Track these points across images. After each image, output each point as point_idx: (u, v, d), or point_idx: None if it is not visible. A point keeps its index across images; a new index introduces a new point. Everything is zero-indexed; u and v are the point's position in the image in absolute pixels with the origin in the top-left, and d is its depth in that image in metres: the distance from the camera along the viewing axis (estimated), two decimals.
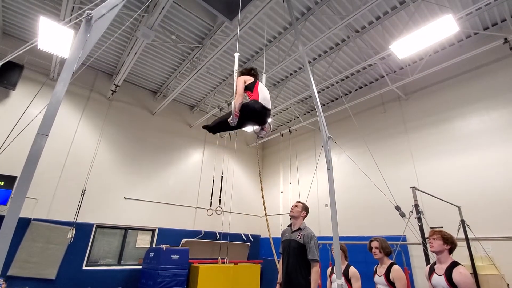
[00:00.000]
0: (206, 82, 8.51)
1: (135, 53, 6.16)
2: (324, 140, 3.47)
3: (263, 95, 2.72)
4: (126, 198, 7.62)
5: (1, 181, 5.58)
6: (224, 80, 8.34)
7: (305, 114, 9.98)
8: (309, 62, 7.28)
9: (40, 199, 6.21)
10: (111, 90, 7.54)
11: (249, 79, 2.81)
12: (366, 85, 8.41)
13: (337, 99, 9.14)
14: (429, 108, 7.01)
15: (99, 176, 7.20)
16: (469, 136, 6.15)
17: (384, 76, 7.06)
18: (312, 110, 9.87)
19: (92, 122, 7.56)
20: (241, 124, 2.67)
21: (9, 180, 5.60)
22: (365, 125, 8.22)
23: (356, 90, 8.35)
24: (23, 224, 5.80)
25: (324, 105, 9.37)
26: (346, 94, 8.62)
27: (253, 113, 2.59)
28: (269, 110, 2.73)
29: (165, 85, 8.59)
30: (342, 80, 8.16)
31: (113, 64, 7.83)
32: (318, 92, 8.46)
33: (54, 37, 4.81)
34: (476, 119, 6.17)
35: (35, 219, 5.99)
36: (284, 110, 9.96)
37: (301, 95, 8.16)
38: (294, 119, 10.16)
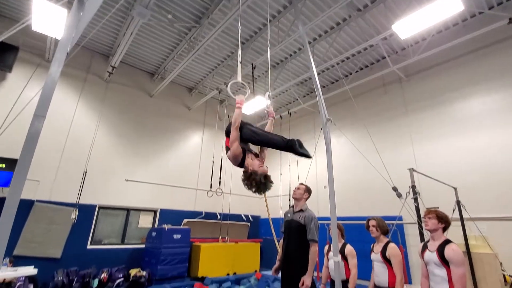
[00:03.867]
0: (204, 63, 8.36)
1: (131, 33, 6.00)
2: (324, 122, 3.46)
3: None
4: (127, 180, 7.70)
5: (3, 164, 5.62)
6: (223, 62, 8.19)
7: (304, 96, 9.89)
8: (309, 43, 7.12)
9: (42, 181, 6.28)
10: (108, 71, 7.42)
11: (238, 159, 2.39)
12: (367, 66, 8.28)
13: (337, 80, 9.02)
14: (430, 90, 6.94)
15: (99, 158, 7.24)
16: (470, 118, 6.14)
17: (385, 57, 6.93)
18: (311, 92, 9.77)
19: (90, 105, 7.51)
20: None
21: (10, 162, 5.64)
22: (365, 107, 8.17)
23: (357, 71, 8.22)
24: (27, 206, 5.91)
25: (324, 87, 9.27)
26: (347, 76, 8.50)
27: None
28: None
29: (162, 67, 8.45)
30: (343, 61, 8.01)
31: (109, 45, 7.65)
32: (318, 74, 8.34)
33: (48, 17, 4.67)
34: (477, 100, 6.13)
35: (38, 201, 6.09)
36: (283, 92, 9.86)
37: (300, 77, 8.04)
38: (294, 101, 10.07)
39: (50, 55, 6.73)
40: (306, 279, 2.66)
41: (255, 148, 2.63)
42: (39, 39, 6.47)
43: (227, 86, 2.80)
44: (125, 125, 8.07)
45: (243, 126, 2.45)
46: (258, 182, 2.25)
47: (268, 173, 2.36)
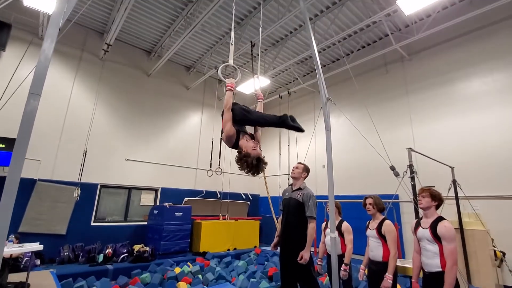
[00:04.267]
0: (202, 41, 8.14)
1: (125, 9, 5.78)
2: (323, 101, 3.43)
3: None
4: (128, 160, 7.77)
5: (2, 144, 5.64)
6: (221, 39, 7.97)
7: (304, 75, 9.73)
8: (310, 19, 6.89)
9: (43, 160, 6.34)
10: (103, 49, 7.23)
11: (232, 140, 2.38)
12: (369, 44, 8.07)
13: (338, 59, 8.84)
14: (432, 69, 6.82)
15: (98, 138, 7.26)
16: (470, 98, 6.09)
17: (388, 35, 6.73)
18: (312, 72, 9.60)
19: (86, 84, 7.40)
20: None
21: (10, 142, 5.65)
22: (365, 87, 8.07)
23: (359, 50, 8.03)
24: (29, 184, 6.00)
25: (324, 66, 9.09)
26: (348, 55, 8.31)
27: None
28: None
29: (159, 44, 8.23)
30: (345, 39, 7.80)
31: (103, 22, 7.41)
32: (319, 52, 8.15)
33: None
34: (479, 80, 6.05)
35: (40, 180, 6.17)
36: (283, 72, 9.68)
37: (301, 55, 7.86)
38: (294, 80, 9.92)
39: (43, 32, 6.54)
40: (304, 253, 2.76)
41: (250, 130, 2.63)
42: (32, 16, 6.28)
43: (217, 69, 2.79)
44: (123, 104, 8.00)
45: (235, 107, 2.43)
46: (250, 164, 2.25)
47: (262, 155, 2.37)
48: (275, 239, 3.24)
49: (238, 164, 2.32)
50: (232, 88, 2.50)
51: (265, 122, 2.52)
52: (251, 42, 7.03)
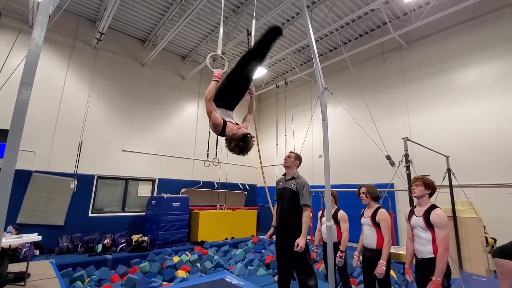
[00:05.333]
0: (197, 29, 7.99)
1: None
2: (320, 91, 3.41)
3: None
4: (124, 151, 7.73)
5: None
6: (217, 27, 7.82)
7: (301, 65, 9.64)
8: (308, 7, 6.77)
9: (38, 151, 6.29)
10: (96, 38, 7.07)
11: (218, 128, 2.45)
12: (367, 33, 7.98)
13: (335, 48, 8.75)
14: (429, 58, 6.80)
15: (94, 129, 7.19)
16: (467, 88, 6.10)
17: (386, 23, 6.66)
18: (309, 61, 9.51)
19: (80, 74, 7.27)
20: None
21: (3, 133, 5.57)
22: (363, 76, 8.03)
23: (356, 38, 7.94)
24: (25, 176, 5.98)
25: (322, 55, 9.00)
26: (346, 43, 8.23)
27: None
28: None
29: (153, 33, 8.07)
30: (342, 27, 7.70)
31: (95, 9, 7.22)
32: (316, 41, 8.05)
33: None
34: (476, 69, 6.04)
35: (36, 171, 6.14)
36: (280, 61, 9.59)
37: (298, 44, 7.76)
38: (291, 70, 9.83)
39: (33, 19, 6.36)
40: (300, 241, 2.80)
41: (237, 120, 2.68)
42: (21, 3, 6.12)
43: (206, 58, 2.85)
44: (118, 95, 7.90)
45: (218, 91, 2.50)
46: (238, 142, 2.32)
47: (248, 133, 2.42)
48: (271, 230, 3.28)
49: (227, 146, 2.39)
50: (218, 79, 2.52)
51: (247, 65, 2.55)
52: (247, 30, 6.90)
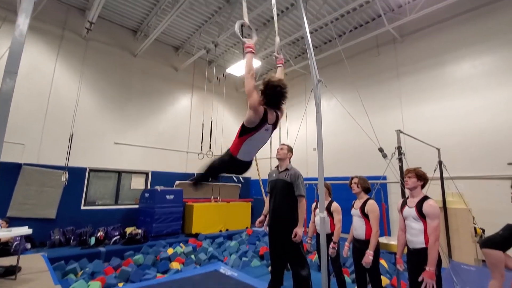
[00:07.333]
0: (190, 19, 7.83)
1: None
2: (314, 83, 3.39)
3: (249, 148, 2.24)
4: (116, 143, 7.63)
5: None
6: (210, 18, 7.69)
7: (296, 57, 9.58)
8: None
9: (28, 144, 6.16)
10: (85, 28, 6.87)
11: (259, 112, 2.08)
12: (361, 25, 7.95)
13: (330, 41, 8.70)
14: (423, 52, 6.83)
15: (85, 121, 7.06)
16: (460, 82, 6.16)
17: (381, 15, 6.63)
18: (303, 53, 9.45)
19: (69, 64, 7.09)
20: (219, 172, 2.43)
21: None
22: (357, 69, 8.03)
23: (351, 31, 7.90)
24: (14, 169, 5.86)
25: (316, 47, 8.95)
26: (340, 36, 8.18)
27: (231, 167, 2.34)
28: (250, 161, 2.37)
29: (145, 23, 7.89)
30: (337, 19, 7.64)
31: None
32: (311, 33, 7.99)
33: None
34: (468, 63, 6.10)
35: (26, 164, 6.02)
36: (274, 53, 9.49)
37: (292, 36, 7.70)
38: (285, 62, 9.74)
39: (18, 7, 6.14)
40: (298, 230, 2.82)
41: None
42: None
43: (235, 26, 2.39)
44: (109, 86, 7.75)
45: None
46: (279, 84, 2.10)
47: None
48: (261, 217, 3.28)
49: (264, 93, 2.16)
50: (253, 50, 2.21)
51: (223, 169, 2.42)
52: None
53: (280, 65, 2.72)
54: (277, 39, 2.92)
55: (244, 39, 2.24)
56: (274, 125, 2.30)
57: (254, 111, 2.07)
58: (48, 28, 6.80)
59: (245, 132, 2.15)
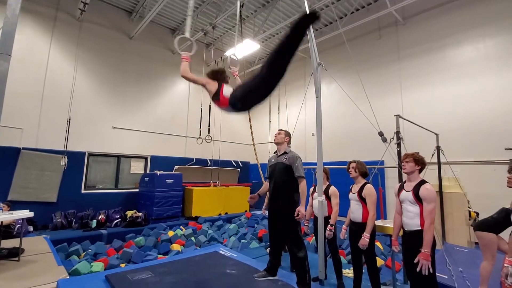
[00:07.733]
0: (186, 0, 7.58)
1: None
2: (314, 66, 3.35)
3: (226, 92, 2.54)
4: (114, 128, 7.60)
5: None
6: None
7: None
8: None
9: (26, 128, 6.13)
10: (79, 9, 6.66)
11: (212, 86, 2.66)
12: (363, 7, 7.74)
13: (331, 23, 8.49)
14: (425, 35, 6.68)
15: (82, 105, 6.99)
16: (461, 65, 6.08)
17: None
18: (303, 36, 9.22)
19: (64, 47, 6.93)
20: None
21: None
22: (358, 52, 7.89)
23: (352, 13, 7.70)
24: (14, 153, 5.87)
25: (316, 30, 8.74)
26: (341, 18, 7.98)
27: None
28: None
29: (140, 3, 7.64)
30: (338, 0, 7.42)
31: None
32: None
33: None
34: (471, 47, 5.99)
35: (24, 148, 6.02)
36: (273, 36, 9.28)
37: (292, 18, 7.50)
38: None
39: None
40: (301, 209, 2.87)
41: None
42: None
43: (175, 41, 2.90)
44: (106, 69, 7.61)
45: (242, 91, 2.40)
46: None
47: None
48: (256, 197, 3.34)
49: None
50: (187, 61, 2.74)
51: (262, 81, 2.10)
52: (239, 2, 6.59)
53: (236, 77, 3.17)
54: (232, 56, 3.24)
55: (181, 52, 2.76)
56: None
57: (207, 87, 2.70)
58: (41, 9, 6.59)
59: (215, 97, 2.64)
